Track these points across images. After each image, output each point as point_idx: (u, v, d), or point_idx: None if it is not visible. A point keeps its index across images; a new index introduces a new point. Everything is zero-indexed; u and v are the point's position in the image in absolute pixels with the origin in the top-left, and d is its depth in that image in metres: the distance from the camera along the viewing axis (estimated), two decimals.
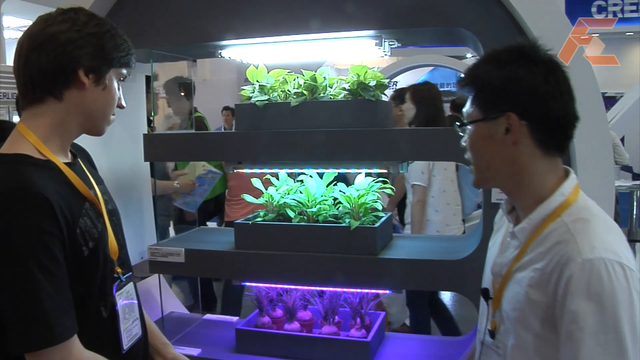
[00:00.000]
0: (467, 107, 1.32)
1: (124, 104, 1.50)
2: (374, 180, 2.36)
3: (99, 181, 1.56)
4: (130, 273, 1.54)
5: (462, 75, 1.35)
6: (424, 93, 3.90)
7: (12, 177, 1.27)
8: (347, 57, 2.36)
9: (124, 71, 1.46)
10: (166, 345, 1.72)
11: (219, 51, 2.37)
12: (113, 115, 1.48)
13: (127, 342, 1.46)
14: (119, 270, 1.47)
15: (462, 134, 1.36)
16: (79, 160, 1.51)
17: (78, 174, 1.42)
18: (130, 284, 1.52)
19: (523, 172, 1.27)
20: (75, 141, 1.53)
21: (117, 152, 2.70)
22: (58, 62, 1.34)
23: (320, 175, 2.41)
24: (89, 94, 1.39)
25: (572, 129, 1.28)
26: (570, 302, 1.13)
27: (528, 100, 1.23)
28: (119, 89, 1.47)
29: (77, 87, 1.37)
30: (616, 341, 1.10)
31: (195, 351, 2.37)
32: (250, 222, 2.31)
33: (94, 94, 1.39)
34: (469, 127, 1.32)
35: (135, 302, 1.54)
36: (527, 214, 1.28)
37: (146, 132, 2.75)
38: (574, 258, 1.14)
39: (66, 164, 1.40)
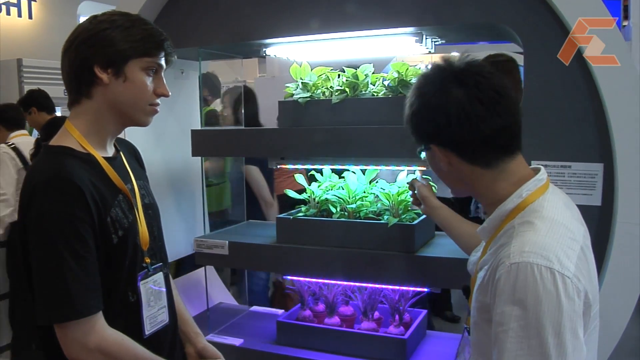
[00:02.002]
0: None
1: (165, 92, 1.52)
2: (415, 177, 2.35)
3: (140, 177, 1.64)
4: (161, 264, 1.62)
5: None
6: None
7: (52, 166, 1.39)
8: (415, 53, 2.35)
9: (151, 60, 1.47)
10: (198, 335, 1.79)
11: (264, 49, 2.42)
12: (152, 105, 1.50)
13: (149, 327, 1.54)
14: (148, 260, 1.55)
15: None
16: (122, 155, 1.60)
17: (116, 168, 1.51)
18: (160, 274, 1.60)
19: (473, 185, 1.31)
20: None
21: (170, 147, 2.82)
22: (76, 65, 1.44)
23: (364, 172, 2.42)
24: (112, 88, 1.45)
25: (498, 140, 1.25)
26: (497, 304, 1.13)
27: (435, 133, 1.28)
28: (155, 78, 1.49)
29: (100, 84, 1.44)
30: (539, 347, 1.07)
31: (237, 341, 2.45)
32: (291, 217, 2.36)
33: (117, 88, 1.45)
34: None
35: (164, 290, 1.61)
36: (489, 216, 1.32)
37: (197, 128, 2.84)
38: (503, 261, 1.14)
39: (106, 158, 1.50)
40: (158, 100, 1.52)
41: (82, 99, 1.47)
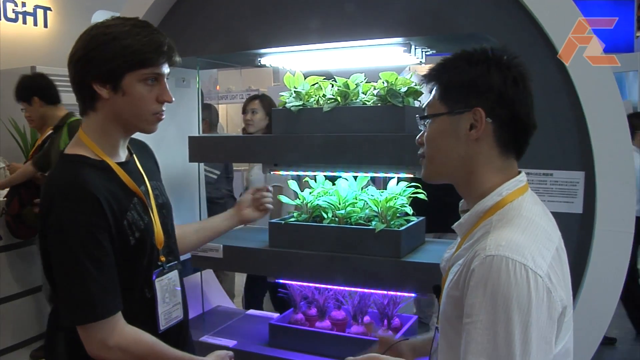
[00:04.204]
0: (430, 101, 1.34)
1: (167, 98, 1.54)
2: (407, 185, 2.40)
3: (153, 177, 1.71)
4: (176, 262, 1.70)
5: (433, 66, 1.36)
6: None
7: (68, 175, 1.47)
8: (410, 62, 2.41)
9: (148, 71, 1.47)
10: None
11: (258, 59, 2.49)
12: (155, 113, 1.53)
13: (164, 323, 1.62)
14: (163, 258, 1.63)
15: (421, 128, 1.37)
16: (134, 157, 1.66)
17: (130, 172, 1.58)
18: (174, 272, 1.68)
19: (476, 169, 1.28)
20: (134, 138, 1.67)
21: (170, 153, 2.87)
22: (76, 81, 1.50)
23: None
24: (112, 102, 1.49)
25: (530, 135, 1.31)
26: (468, 296, 1.14)
27: (496, 99, 1.25)
28: (156, 85, 1.51)
29: (100, 98, 1.49)
30: (505, 341, 1.08)
31: (230, 343, 2.50)
32: (283, 222, 2.42)
33: (117, 101, 1.49)
34: (429, 120, 1.33)
35: (179, 289, 1.69)
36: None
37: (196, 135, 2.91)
38: (479, 253, 1.15)
39: (119, 163, 1.57)
40: (163, 107, 1.55)
41: (88, 111, 1.54)
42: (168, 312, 1.63)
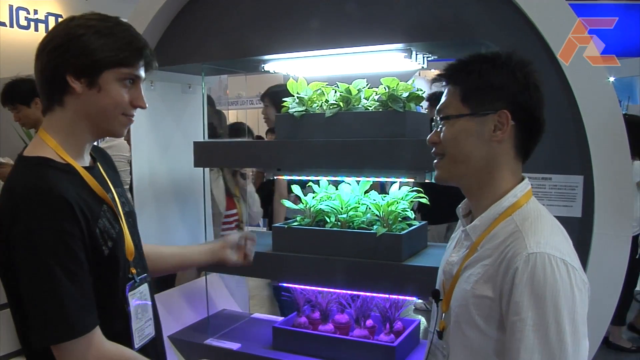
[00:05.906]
0: (447, 101, 1.35)
1: (142, 104, 1.46)
2: (410, 189, 2.42)
3: (117, 184, 1.59)
4: (146, 274, 1.58)
5: (448, 67, 1.37)
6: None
7: (34, 179, 1.32)
8: (407, 68, 2.43)
9: (128, 71, 1.41)
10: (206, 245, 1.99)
11: (262, 65, 2.53)
12: (126, 115, 1.45)
13: (138, 341, 1.50)
14: (134, 270, 1.51)
15: (437, 127, 1.37)
16: (98, 164, 1.55)
17: (96, 178, 1.46)
18: (145, 285, 1.56)
19: (494, 171, 1.32)
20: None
21: (176, 159, 2.93)
22: (48, 70, 1.38)
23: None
24: (85, 98, 1.38)
25: (539, 136, 1.36)
26: (514, 294, 1.17)
27: (521, 102, 1.29)
28: (132, 88, 1.44)
29: (72, 93, 1.38)
30: (557, 334, 1.13)
31: (234, 346, 2.53)
32: (286, 226, 2.45)
33: (91, 98, 1.38)
34: (449, 121, 1.34)
35: (149, 303, 1.58)
36: (481, 214, 1.34)
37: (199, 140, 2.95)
38: (520, 252, 1.19)
39: (85, 167, 1.45)
40: (134, 112, 1.47)
41: (54, 106, 1.42)
42: (141, 329, 1.51)
